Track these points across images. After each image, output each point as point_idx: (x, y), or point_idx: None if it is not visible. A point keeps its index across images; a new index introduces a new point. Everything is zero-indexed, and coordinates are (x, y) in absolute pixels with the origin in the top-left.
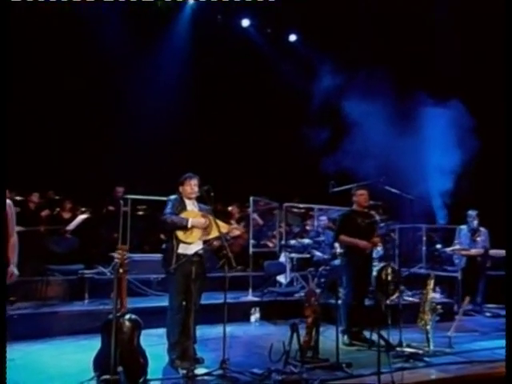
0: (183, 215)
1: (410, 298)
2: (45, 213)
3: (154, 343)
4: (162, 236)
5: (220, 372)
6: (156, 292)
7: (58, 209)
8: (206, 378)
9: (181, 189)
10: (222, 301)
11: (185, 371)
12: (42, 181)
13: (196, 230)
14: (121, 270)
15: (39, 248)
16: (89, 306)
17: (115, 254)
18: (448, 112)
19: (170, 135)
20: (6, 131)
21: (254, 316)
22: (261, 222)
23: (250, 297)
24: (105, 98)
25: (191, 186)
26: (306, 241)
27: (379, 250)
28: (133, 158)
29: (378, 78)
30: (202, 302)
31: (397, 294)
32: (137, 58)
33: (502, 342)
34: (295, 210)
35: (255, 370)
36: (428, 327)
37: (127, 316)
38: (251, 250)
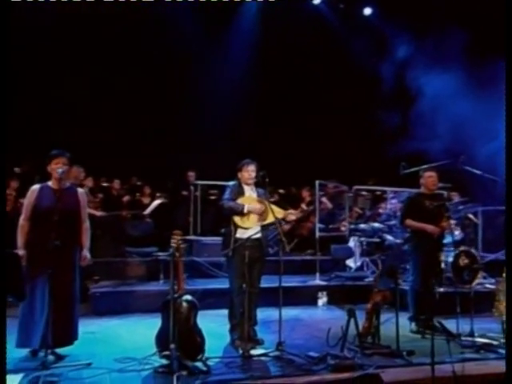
0: (240, 201)
1: (493, 286)
2: (126, 198)
3: (221, 323)
4: None
5: (276, 353)
6: (226, 274)
7: (138, 194)
8: (262, 358)
9: (239, 175)
10: (288, 284)
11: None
12: (125, 168)
13: (252, 215)
14: (177, 254)
15: (119, 231)
16: (163, 286)
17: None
18: None
19: (240, 120)
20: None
21: (321, 300)
22: (330, 205)
23: (318, 281)
24: (178, 89)
25: (249, 172)
26: (376, 225)
27: (456, 234)
28: (205, 144)
29: (452, 47)
30: (269, 285)
31: (476, 281)
32: (204, 45)
33: None
34: (364, 192)
35: (311, 353)
36: (504, 317)
37: (184, 297)
38: (318, 234)
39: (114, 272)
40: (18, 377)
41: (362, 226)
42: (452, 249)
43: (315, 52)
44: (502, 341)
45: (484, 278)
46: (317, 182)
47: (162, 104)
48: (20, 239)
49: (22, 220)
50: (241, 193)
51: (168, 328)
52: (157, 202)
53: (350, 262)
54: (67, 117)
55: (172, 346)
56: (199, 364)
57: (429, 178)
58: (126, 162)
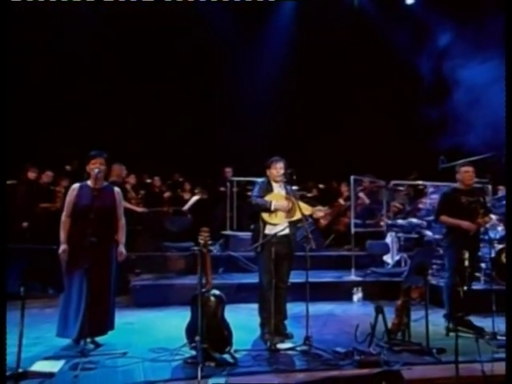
0: (267, 198)
1: None
2: (167, 194)
3: (253, 317)
4: None
5: (304, 348)
6: None
7: (179, 190)
8: (289, 352)
9: (268, 172)
10: (324, 279)
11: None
12: (168, 165)
13: (280, 212)
14: (204, 250)
15: (159, 227)
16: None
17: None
18: None
19: (277, 117)
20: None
21: (357, 296)
22: (367, 200)
23: (353, 276)
24: (217, 89)
25: (277, 170)
26: (414, 220)
27: (499, 230)
28: (243, 141)
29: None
30: (304, 279)
31: None
32: (241, 44)
33: None
34: (401, 188)
35: (338, 349)
36: None
37: (212, 292)
38: (353, 229)
39: (154, 266)
40: (60, 363)
41: (400, 221)
42: (496, 245)
43: (352, 47)
44: None
45: None
46: (352, 178)
47: (202, 103)
48: (62, 235)
49: (63, 217)
50: (269, 190)
51: (196, 321)
52: (195, 198)
53: (388, 258)
54: (116, 117)
55: (197, 338)
56: (227, 356)
57: (465, 173)
58: (168, 159)
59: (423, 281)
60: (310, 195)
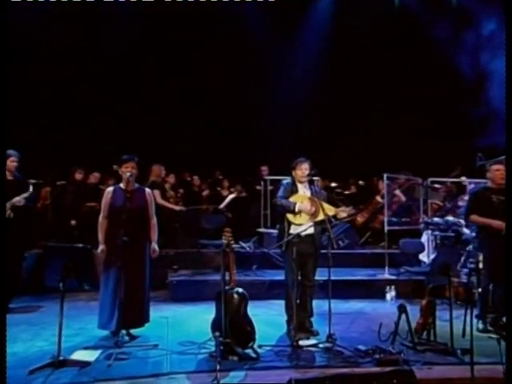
0: (292, 199)
1: None
2: (205, 193)
3: (282, 313)
4: None
5: (327, 345)
6: None
7: (218, 188)
8: (312, 349)
9: (293, 173)
10: (357, 277)
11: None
12: (208, 164)
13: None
14: (227, 250)
15: (196, 225)
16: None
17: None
18: None
19: (312, 116)
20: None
21: (390, 294)
22: (403, 198)
23: (386, 275)
24: (255, 89)
25: (302, 170)
26: (451, 218)
27: None
28: (279, 139)
29: None
30: (338, 277)
31: None
32: (278, 41)
33: None
34: (437, 185)
35: (360, 347)
36: None
37: (235, 289)
38: (386, 227)
39: (190, 262)
40: (97, 353)
41: (436, 219)
42: None
43: (391, 44)
44: None
45: None
46: (385, 175)
47: (239, 103)
48: (100, 235)
49: (100, 218)
50: (294, 191)
51: (220, 317)
52: (231, 197)
53: (423, 257)
54: (159, 117)
55: (217, 333)
56: (250, 351)
57: (496, 171)
58: (210, 158)
59: (447, 280)
60: (347, 192)
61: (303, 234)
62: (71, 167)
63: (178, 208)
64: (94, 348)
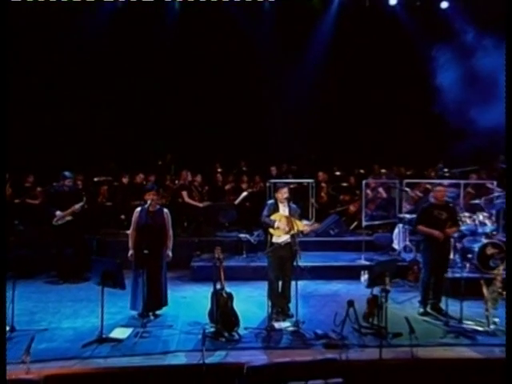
0: (273, 217)
1: None
2: (228, 186)
3: None
4: None
5: (294, 328)
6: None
7: (240, 182)
8: (283, 331)
9: (275, 195)
10: (339, 263)
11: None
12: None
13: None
14: (218, 263)
15: (215, 218)
16: (243, 262)
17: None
18: None
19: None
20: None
21: (363, 277)
22: (385, 195)
23: (362, 261)
24: (268, 94)
25: (282, 194)
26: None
27: (489, 225)
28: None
29: None
30: (322, 263)
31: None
32: (286, 51)
33: None
34: (407, 189)
35: (317, 331)
36: (489, 305)
37: (224, 290)
38: (364, 222)
39: (210, 248)
40: (129, 331)
41: (407, 216)
42: (481, 239)
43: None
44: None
45: None
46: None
47: (257, 106)
48: (130, 243)
49: (131, 230)
50: (276, 209)
51: (213, 310)
52: (244, 194)
53: (395, 245)
54: (188, 120)
55: (206, 327)
56: (235, 334)
57: (438, 192)
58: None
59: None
60: (345, 185)
61: (283, 243)
62: (120, 171)
63: (201, 205)
64: (128, 326)
